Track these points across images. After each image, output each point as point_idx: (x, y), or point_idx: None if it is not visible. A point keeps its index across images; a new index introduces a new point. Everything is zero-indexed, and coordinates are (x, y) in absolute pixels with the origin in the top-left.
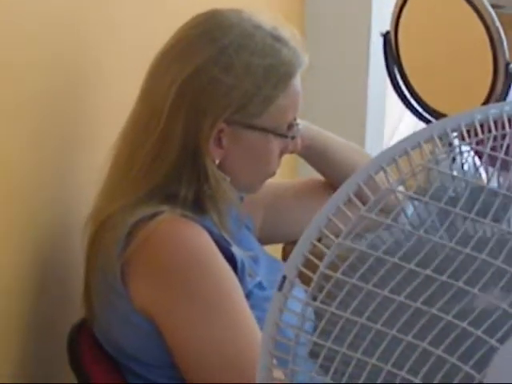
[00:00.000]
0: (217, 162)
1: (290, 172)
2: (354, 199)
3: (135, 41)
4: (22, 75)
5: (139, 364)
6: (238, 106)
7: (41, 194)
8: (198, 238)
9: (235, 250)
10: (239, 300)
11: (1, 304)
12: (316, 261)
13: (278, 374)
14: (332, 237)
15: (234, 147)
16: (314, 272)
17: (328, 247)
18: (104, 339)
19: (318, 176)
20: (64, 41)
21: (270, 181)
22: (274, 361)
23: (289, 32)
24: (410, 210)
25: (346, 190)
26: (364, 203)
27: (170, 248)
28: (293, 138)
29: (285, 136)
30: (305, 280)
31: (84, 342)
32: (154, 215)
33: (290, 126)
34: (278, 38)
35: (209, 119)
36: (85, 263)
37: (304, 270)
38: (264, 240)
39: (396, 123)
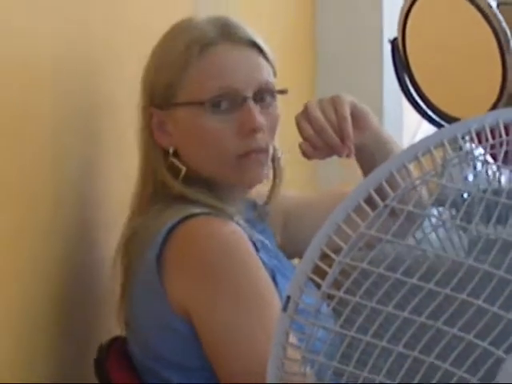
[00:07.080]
0: (171, 150)
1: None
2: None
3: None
4: (39, 67)
5: (178, 371)
6: (151, 91)
7: (67, 192)
8: (234, 234)
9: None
10: (276, 296)
11: (30, 308)
12: (319, 280)
13: None
14: (333, 255)
15: (176, 131)
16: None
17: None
18: (141, 349)
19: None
20: (75, 27)
21: (292, 193)
22: None
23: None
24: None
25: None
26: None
27: (207, 243)
28: (227, 109)
29: (211, 105)
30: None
31: (112, 362)
32: (187, 217)
33: (223, 96)
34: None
35: (143, 112)
36: (121, 271)
37: (306, 290)
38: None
39: (414, 132)
